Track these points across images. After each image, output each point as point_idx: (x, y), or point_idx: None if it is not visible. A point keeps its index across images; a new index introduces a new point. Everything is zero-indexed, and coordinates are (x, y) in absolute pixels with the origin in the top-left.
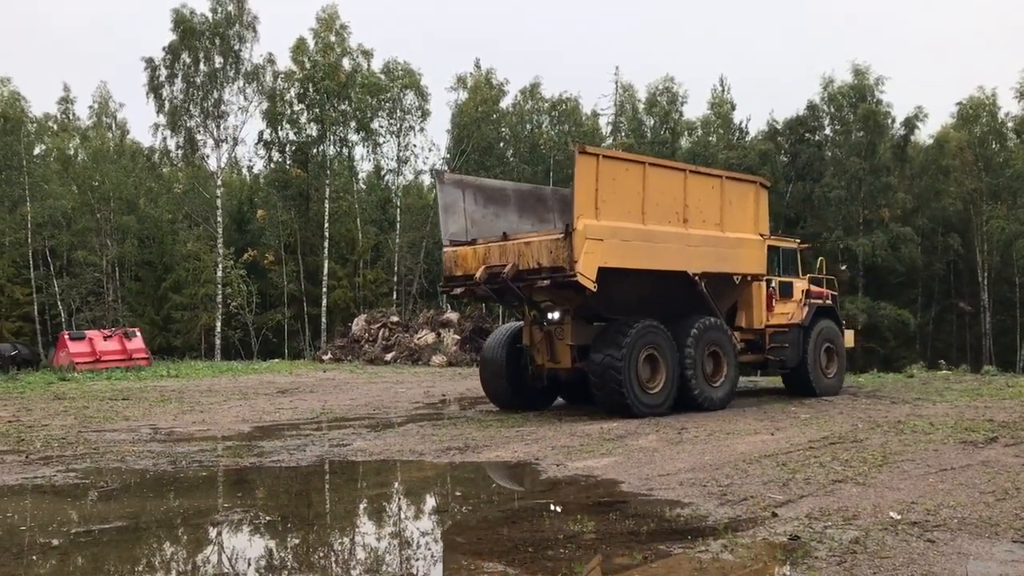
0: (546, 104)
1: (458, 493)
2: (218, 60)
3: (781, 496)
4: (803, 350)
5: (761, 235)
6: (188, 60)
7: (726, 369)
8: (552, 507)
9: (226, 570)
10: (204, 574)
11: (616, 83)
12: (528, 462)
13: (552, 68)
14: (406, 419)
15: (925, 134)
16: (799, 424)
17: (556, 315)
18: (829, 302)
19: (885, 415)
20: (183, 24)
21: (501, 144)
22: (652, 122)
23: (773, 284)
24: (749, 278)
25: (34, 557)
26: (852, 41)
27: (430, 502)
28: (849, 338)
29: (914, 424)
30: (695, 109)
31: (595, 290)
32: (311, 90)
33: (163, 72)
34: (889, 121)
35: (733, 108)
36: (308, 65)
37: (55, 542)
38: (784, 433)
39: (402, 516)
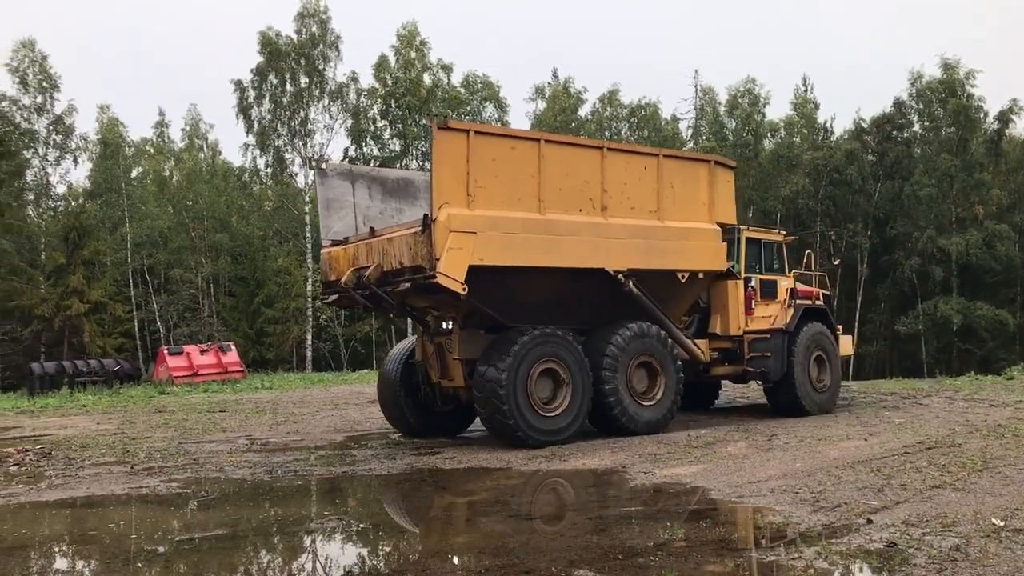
0: (625, 110)
1: (546, 501)
2: (303, 80)
3: (876, 502)
4: (788, 360)
5: (721, 225)
6: (275, 81)
7: (663, 385)
8: (641, 514)
9: (324, 573)
10: None
11: (696, 86)
12: (615, 469)
13: (631, 73)
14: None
15: (1022, 127)
16: (893, 429)
17: (448, 324)
18: (820, 303)
19: (984, 419)
20: (270, 46)
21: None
22: (733, 124)
23: (753, 283)
24: (700, 275)
25: (140, 564)
26: (940, 34)
27: (518, 509)
28: (846, 345)
29: (1015, 428)
30: (778, 110)
31: (464, 293)
32: (393, 106)
33: (251, 93)
34: (981, 115)
35: (817, 108)
36: (390, 82)
37: (160, 549)
38: (878, 438)
39: (490, 524)
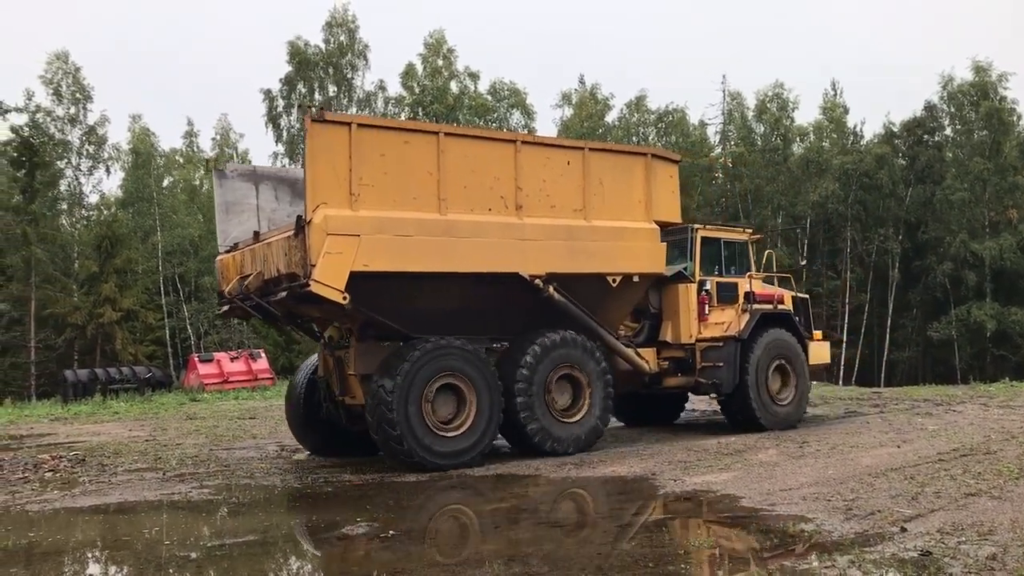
0: (652, 116)
1: (575, 508)
2: (332, 89)
3: (910, 510)
4: (741, 370)
5: (663, 224)
6: (304, 90)
7: (588, 400)
8: (671, 522)
9: None
10: None
11: (724, 91)
12: (645, 477)
13: (658, 78)
14: None
15: None
16: (927, 436)
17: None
18: (784, 307)
19: (1020, 426)
20: (298, 56)
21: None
22: (762, 129)
23: (708, 286)
24: (636, 278)
25: (172, 570)
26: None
27: (547, 517)
28: (820, 352)
29: None
30: (807, 114)
31: (346, 302)
32: (420, 114)
33: (280, 102)
34: (1015, 118)
35: (846, 112)
36: (417, 90)
37: (192, 555)
38: (911, 445)
39: (519, 531)
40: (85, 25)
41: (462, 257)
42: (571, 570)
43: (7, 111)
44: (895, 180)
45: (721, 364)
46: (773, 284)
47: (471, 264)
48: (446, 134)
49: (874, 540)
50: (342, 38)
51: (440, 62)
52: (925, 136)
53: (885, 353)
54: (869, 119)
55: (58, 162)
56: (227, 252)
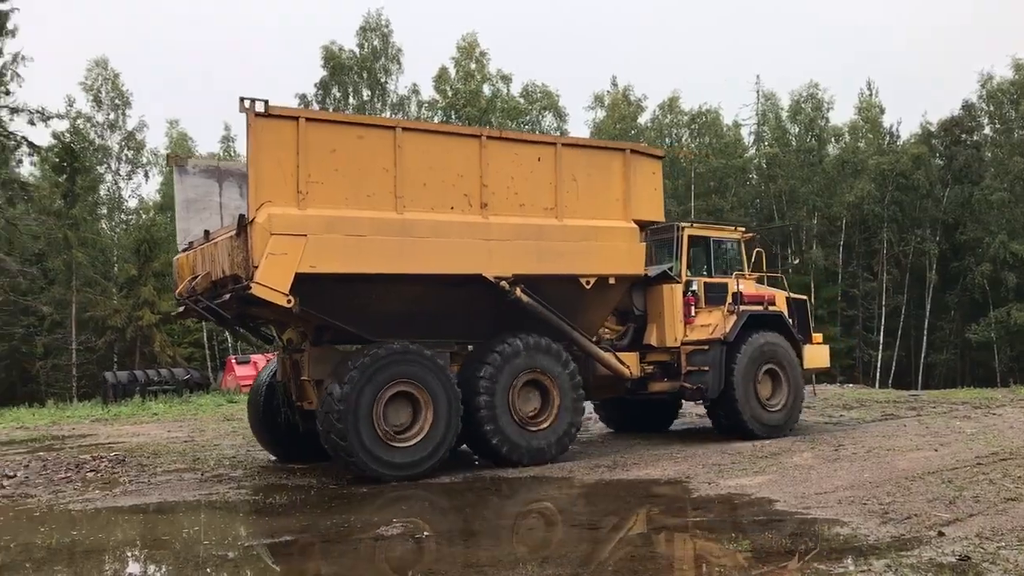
0: (685, 117)
1: (609, 510)
2: (366, 93)
3: (948, 515)
4: (726, 374)
5: (644, 222)
6: (338, 94)
7: (557, 406)
8: (705, 525)
9: None
10: None
11: (757, 92)
12: (679, 480)
13: (691, 78)
14: None
15: None
16: (965, 439)
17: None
18: (775, 308)
19: None
20: (333, 60)
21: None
22: (796, 130)
23: (695, 287)
24: (612, 280)
25: (210, 570)
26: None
27: (581, 519)
28: (817, 356)
29: None
30: (842, 114)
31: (291, 305)
32: (453, 117)
33: (315, 107)
34: None
35: (882, 112)
36: (450, 93)
37: (230, 555)
38: (949, 449)
39: (553, 532)
40: (121, 32)
41: (420, 258)
42: (604, 572)
43: (49, 117)
44: (932, 180)
45: (706, 368)
46: (778, 285)
47: (430, 265)
48: (404, 129)
49: (911, 544)
50: (376, 42)
51: (473, 65)
52: (963, 136)
53: (922, 355)
54: (906, 119)
55: (98, 167)
56: (183, 251)
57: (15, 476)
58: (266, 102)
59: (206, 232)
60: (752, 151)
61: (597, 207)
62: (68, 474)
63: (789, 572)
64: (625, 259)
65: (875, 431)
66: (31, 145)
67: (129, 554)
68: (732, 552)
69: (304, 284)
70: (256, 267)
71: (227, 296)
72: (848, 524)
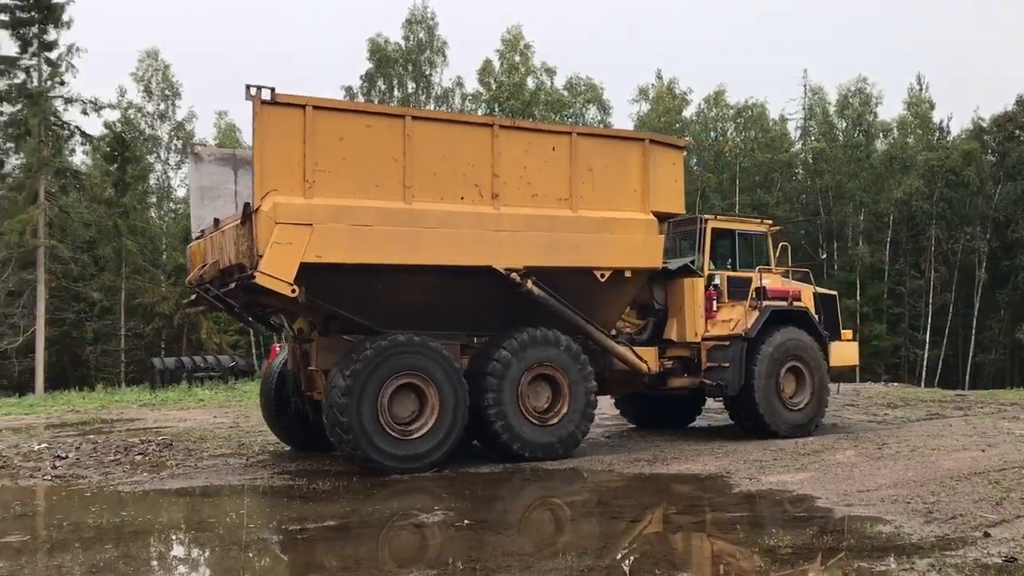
0: (731, 111)
1: (648, 504)
2: (411, 85)
3: (994, 515)
4: (747, 371)
5: (664, 214)
6: (383, 87)
7: (568, 402)
8: (746, 520)
9: (430, 566)
10: (409, 570)
11: (804, 86)
12: (719, 475)
13: (737, 72)
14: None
15: None
16: (1013, 441)
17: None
18: (800, 304)
19: None
20: (379, 53)
21: (685, 154)
22: (844, 125)
23: (717, 281)
24: (628, 273)
25: (253, 553)
26: None
27: (620, 511)
28: (846, 354)
29: None
30: (890, 110)
31: (295, 295)
32: (497, 110)
33: (361, 99)
34: None
35: (932, 107)
36: (494, 86)
37: (274, 538)
38: (996, 449)
39: (592, 524)
40: (173, 23)
41: (429, 249)
42: (644, 564)
43: (101, 107)
44: (983, 177)
45: (727, 364)
46: (805, 279)
47: (439, 256)
48: (413, 117)
49: (955, 544)
50: (421, 35)
51: (517, 58)
52: (1016, 131)
53: (970, 355)
54: (956, 115)
55: (148, 157)
56: (196, 239)
57: (67, 457)
58: (273, 89)
59: (216, 220)
60: (798, 146)
61: (614, 198)
62: (117, 456)
63: (830, 569)
64: (641, 252)
65: (920, 430)
66: (84, 135)
67: (175, 535)
68: (773, 548)
69: (311, 273)
70: (261, 256)
71: (233, 285)
72: (891, 522)
